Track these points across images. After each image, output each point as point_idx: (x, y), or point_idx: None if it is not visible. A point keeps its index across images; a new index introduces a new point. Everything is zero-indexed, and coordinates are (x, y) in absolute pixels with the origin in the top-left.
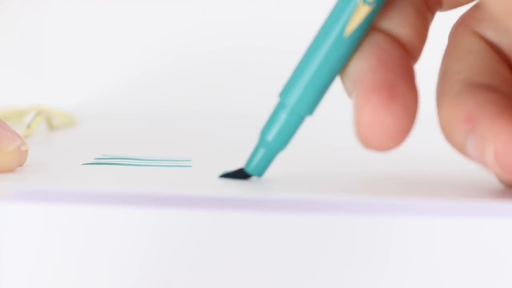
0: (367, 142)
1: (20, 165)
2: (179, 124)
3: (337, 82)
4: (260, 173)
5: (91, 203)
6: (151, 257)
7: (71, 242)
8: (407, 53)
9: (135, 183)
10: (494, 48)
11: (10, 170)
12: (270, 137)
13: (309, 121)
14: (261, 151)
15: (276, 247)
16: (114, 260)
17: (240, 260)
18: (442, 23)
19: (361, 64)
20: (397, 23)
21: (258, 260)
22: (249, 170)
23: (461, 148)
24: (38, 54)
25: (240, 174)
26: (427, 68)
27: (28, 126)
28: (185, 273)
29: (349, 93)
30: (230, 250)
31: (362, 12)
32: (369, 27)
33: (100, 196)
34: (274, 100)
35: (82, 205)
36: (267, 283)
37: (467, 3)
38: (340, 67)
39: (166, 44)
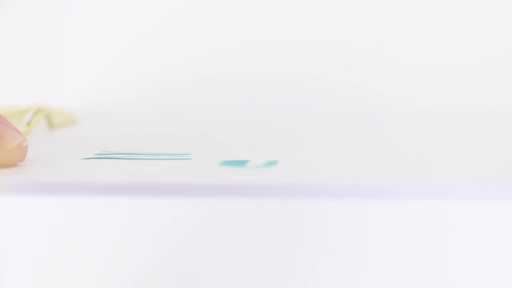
0: None
1: (21, 160)
2: (179, 122)
3: (341, 81)
4: None
5: (93, 194)
6: (153, 246)
7: (74, 233)
8: None
9: (135, 174)
10: None
11: (13, 165)
12: None
13: (312, 117)
14: None
15: (275, 233)
16: (115, 249)
17: (243, 245)
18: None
19: None
20: None
21: (260, 246)
22: None
23: None
24: (39, 53)
25: None
26: (424, 68)
27: (28, 124)
28: (187, 258)
29: None
30: (231, 236)
31: None
32: None
33: (101, 187)
34: (272, 96)
35: (85, 196)
36: (268, 268)
37: None
38: None
39: (166, 43)
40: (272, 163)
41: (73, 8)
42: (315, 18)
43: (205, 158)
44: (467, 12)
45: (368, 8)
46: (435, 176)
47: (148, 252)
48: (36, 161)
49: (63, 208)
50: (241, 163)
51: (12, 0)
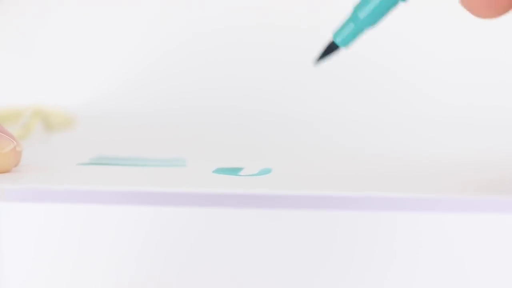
0: (470, 10)
1: (15, 165)
2: (176, 124)
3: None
4: (346, 44)
5: (87, 202)
6: (147, 254)
7: (67, 240)
8: None
9: (130, 182)
10: None
11: (6, 170)
12: (363, 14)
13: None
14: (351, 25)
15: (272, 242)
16: (109, 258)
17: (239, 255)
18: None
19: None
20: None
21: (256, 256)
22: (337, 41)
23: None
24: (37, 53)
25: (330, 48)
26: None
27: (25, 126)
28: (180, 270)
29: None
30: (227, 246)
31: None
32: None
33: (95, 195)
34: (268, 98)
35: (77, 204)
36: (265, 279)
37: None
38: None
39: (164, 43)
40: (266, 171)
41: (70, 8)
42: (310, 21)
43: (200, 164)
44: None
45: None
46: (434, 188)
47: (142, 260)
48: (30, 167)
49: (56, 215)
50: (234, 171)
51: (11, 0)
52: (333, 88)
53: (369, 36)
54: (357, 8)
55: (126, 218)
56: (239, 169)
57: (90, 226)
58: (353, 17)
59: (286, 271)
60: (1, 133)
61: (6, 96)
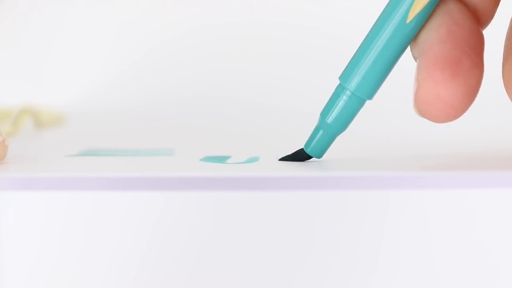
0: (424, 114)
1: (2, 159)
2: (166, 121)
3: None
4: (319, 155)
5: (74, 189)
6: (139, 241)
7: (56, 229)
8: (479, 19)
9: (118, 169)
10: None
11: None
12: (330, 119)
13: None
14: (320, 133)
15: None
16: (96, 243)
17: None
18: None
19: (430, 34)
20: None
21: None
22: (308, 151)
23: None
24: (26, 53)
25: (299, 156)
26: None
27: (14, 124)
28: (174, 258)
29: (414, 59)
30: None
31: None
32: (432, 10)
33: (79, 182)
34: (264, 95)
35: (65, 191)
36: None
37: None
38: (401, 53)
39: (148, 40)
40: (253, 159)
41: (58, 6)
42: (303, 17)
43: (188, 153)
44: None
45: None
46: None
47: (129, 246)
48: (18, 159)
49: (44, 202)
50: (221, 159)
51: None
52: (319, 77)
53: (358, 23)
54: (323, 114)
55: (112, 204)
56: (227, 158)
57: (77, 211)
58: (321, 124)
59: (280, 253)
60: None
61: None
